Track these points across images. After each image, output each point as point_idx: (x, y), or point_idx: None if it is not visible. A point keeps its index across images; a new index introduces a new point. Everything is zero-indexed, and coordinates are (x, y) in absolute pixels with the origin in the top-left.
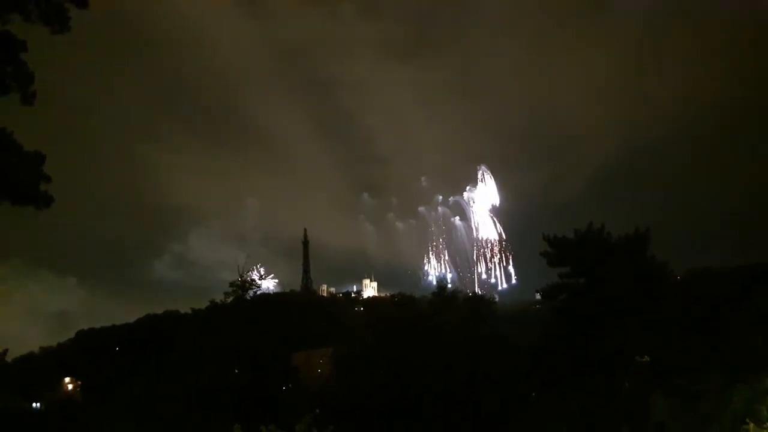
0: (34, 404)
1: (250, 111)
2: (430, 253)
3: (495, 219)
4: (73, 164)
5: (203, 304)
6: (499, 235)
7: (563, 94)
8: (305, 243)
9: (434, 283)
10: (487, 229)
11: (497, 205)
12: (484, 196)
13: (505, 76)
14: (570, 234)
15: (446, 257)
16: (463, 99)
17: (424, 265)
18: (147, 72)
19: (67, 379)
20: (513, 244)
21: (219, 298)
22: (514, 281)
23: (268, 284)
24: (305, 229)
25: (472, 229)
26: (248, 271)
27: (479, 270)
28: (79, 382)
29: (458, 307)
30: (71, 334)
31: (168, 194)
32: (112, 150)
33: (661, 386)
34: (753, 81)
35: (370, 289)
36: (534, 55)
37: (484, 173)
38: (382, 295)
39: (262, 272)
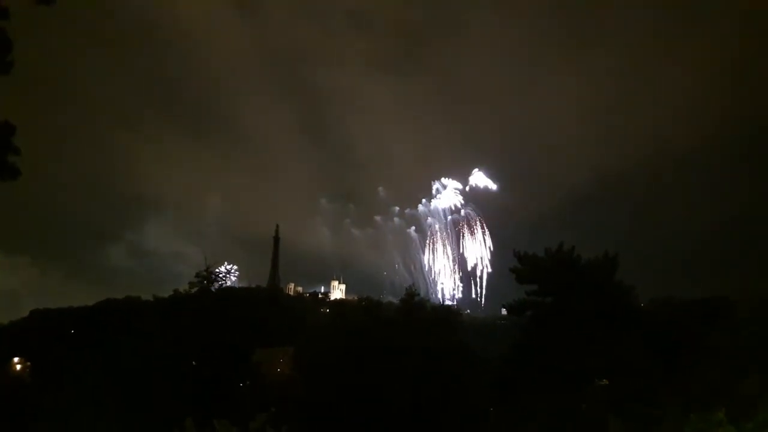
0: None
1: (233, 109)
2: (397, 260)
3: (455, 232)
4: (43, 142)
5: (162, 294)
6: (457, 249)
7: (540, 116)
8: (276, 239)
9: (403, 290)
10: (447, 243)
11: (458, 215)
12: (443, 207)
13: (485, 94)
14: (540, 252)
15: (414, 267)
16: (443, 113)
17: (395, 271)
18: (136, 63)
19: (15, 359)
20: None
21: (183, 287)
22: (473, 296)
23: (233, 278)
24: (277, 225)
25: (428, 241)
26: (211, 264)
27: (441, 282)
28: (29, 363)
29: (426, 315)
30: (22, 314)
31: (137, 182)
32: (86, 133)
33: (617, 410)
34: (719, 119)
35: (337, 291)
36: (514, 76)
37: (440, 188)
38: (350, 297)
39: (230, 267)
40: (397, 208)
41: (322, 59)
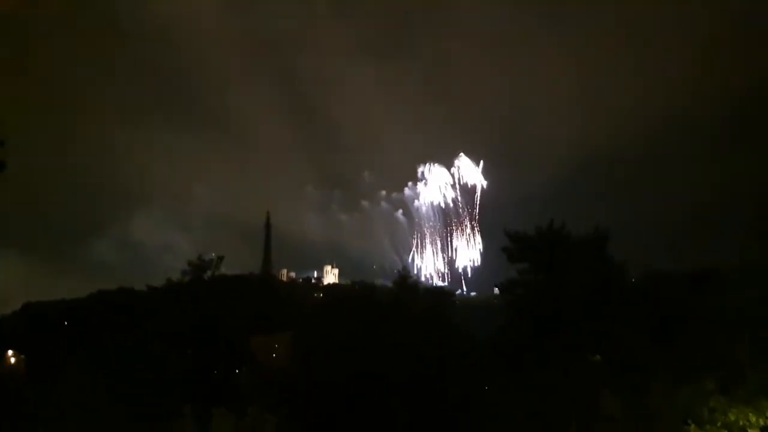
0: None
1: (219, 97)
2: (386, 244)
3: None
4: (29, 135)
5: (154, 284)
6: (445, 236)
7: (528, 96)
8: (267, 225)
9: (393, 273)
10: (435, 229)
11: (445, 200)
12: (429, 193)
13: (472, 77)
14: (531, 231)
15: (403, 250)
16: (430, 98)
17: (384, 255)
18: (120, 55)
19: (9, 352)
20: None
21: (175, 276)
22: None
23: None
24: (268, 213)
25: (416, 228)
26: (202, 253)
27: (428, 266)
28: (23, 356)
29: (420, 297)
30: (12, 307)
31: (122, 173)
32: (71, 125)
33: (610, 383)
34: (711, 90)
35: (331, 276)
36: (502, 58)
37: (426, 172)
38: (343, 281)
39: (221, 255)
40: (384, 193)
41: (307, 46)
